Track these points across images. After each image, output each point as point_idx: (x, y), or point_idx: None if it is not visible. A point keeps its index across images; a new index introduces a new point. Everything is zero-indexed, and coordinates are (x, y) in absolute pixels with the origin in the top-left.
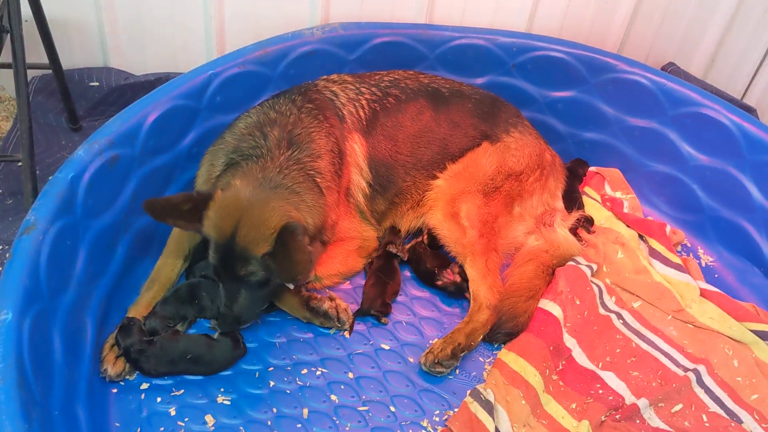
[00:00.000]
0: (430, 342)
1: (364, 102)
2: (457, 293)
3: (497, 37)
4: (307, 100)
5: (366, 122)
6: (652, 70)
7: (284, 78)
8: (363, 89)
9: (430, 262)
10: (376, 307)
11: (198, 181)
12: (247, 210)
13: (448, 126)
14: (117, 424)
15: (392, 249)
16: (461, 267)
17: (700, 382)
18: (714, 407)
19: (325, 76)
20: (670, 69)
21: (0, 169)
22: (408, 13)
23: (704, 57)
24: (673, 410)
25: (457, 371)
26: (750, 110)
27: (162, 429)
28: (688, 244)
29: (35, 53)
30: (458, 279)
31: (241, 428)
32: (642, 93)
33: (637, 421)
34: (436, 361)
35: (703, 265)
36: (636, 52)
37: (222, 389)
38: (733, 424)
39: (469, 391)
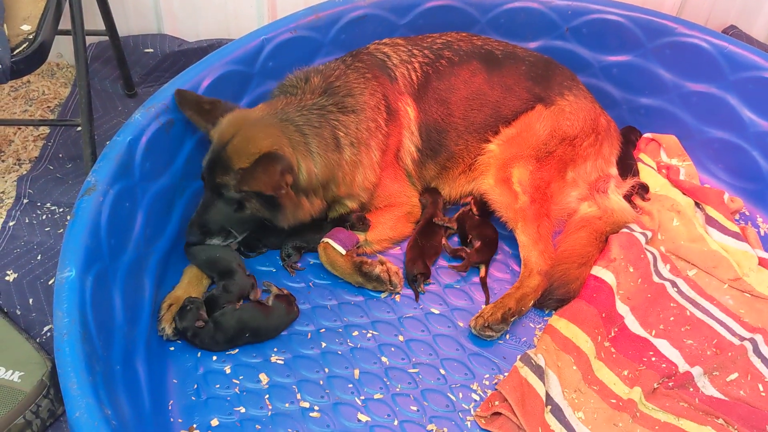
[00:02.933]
0: (480, 307)
1: (416, 64)
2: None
3: (551, 0)
4: (357, 60)
5: (418, 85)
6: (713, 32)
7: (335, 43)
8: (416, 51)
9: (469, 228)
10: (418, 269)
11: None
12: (247, 126)
13: (501, 89)
14: (175, 381)
15: (437, 221)
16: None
17: (757, 352)
18: None
19: (377, 41)
20: (732, 32)
21: (60, 135)
22: None
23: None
24: (728, 379)
25: (507, 336)
26: None
27: (218, 386)
28: (747, 213)
29: (92, 20)
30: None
31: (294, 387)
32: (701, 57)
33: (691, 389)
34: (486, 325)
35: (762, 233)
36: (695, 15)
37: (275, 349)
38: None
39: (519, 356)
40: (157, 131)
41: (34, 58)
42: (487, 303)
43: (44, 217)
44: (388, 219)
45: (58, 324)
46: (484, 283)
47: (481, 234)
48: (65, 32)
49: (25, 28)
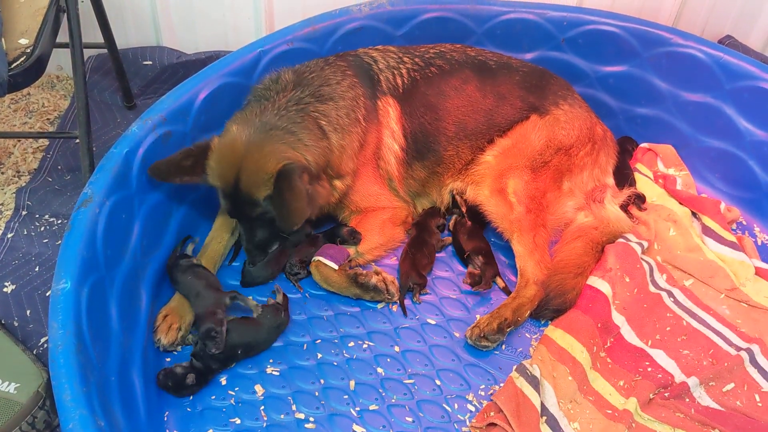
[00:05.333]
0: (476, 317)
1: (404, 71)
2: (474, 284)
3: (547, 11)
4: (340, 59)
5: (403, 90)
6: (708, 43)
7: (332, 54)
8: (406, 59)
9: (464, 242)
10: (413, 280)
11: None
12: (245, 156)
13: (494, 97)
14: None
15: (435, 243)
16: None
17: (753, 362)
18: (767, 387)
19: (369, 47)
20: (728, 42)
21: (59, 146)
22: None
23: (763, 30)
24: (724, 389)
25: (503, 347)
26: None
27: (213, 397)
28: (744, 222)
29: (91, 33)
30: (476, 272)
31: (290, 398)
32: (697, 67)
33: (687, 400)
34: (482, 335)
35: (759, 243)
36: (691, 25)
37: (271, 360)
38: None
39: (515, 367)
40: (154, 143)
41: (31, 71)
42: None
43: (42, 228)
44: (374, 225)
45: (52, 335)
46: (508, 291)
47: (477, 249)
48: (64, 45)
49: (23, 42)
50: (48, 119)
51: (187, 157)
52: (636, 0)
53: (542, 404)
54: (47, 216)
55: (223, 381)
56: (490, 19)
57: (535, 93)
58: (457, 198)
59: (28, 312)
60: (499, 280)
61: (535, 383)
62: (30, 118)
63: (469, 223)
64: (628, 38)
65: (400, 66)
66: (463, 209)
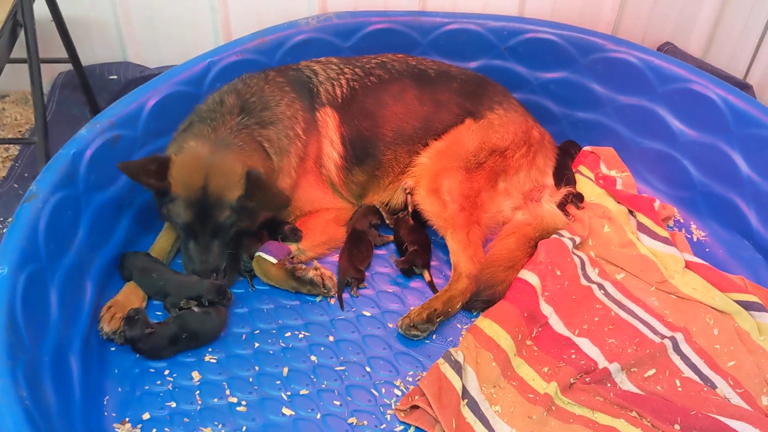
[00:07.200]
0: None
1: (343, 81)
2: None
3: (487, 22)
4: (280, 75)
5: (342, 99)
6: (640, 47)
7: (281, 65)
8: (346, 69)
9: (404, 236)
10: (350, 275)
11: (171, 142)
12: (212, 163)
13: (432, 104)
14: (112, 378)
15: (375, 241)
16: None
17: (677, 349)
18: (688, 372)
19: (313, 59)
20: (666, 49)
21: (27, 156)
22: (402, 2)
23: (702, 36)
24: (645, 375)
25: (434, 336)
26: (745, 87)
27: (152, 383)
28: (681, 220)
29: (60, 50)
30: (405, 266)
31: (225, 383)
32: (631, 71)
33: (608, 384)
34: (411, 325)
35: (695, 239)
36: (631, 33)
37: (210, 349)
38: (705, 389)
39: (442, 354)
40: (102, 146)
41: None
42: None
43: (4, 230)
44: (316, 224)
45: None
46: (432, 285)
47: (415, 240)
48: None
49: None
50: (20, 131)
51: (152, 162)
52: (575, 8)
53: (464, 388)
54: (10, 219)
55: (163, 369)
56: (433, 30)
57: (472, 99)
58: (408, 197)
59: None
60: (426, 274)
61: (458, 368)
62: (2, 131)
63: (411, 221)
64: (565, 45)
65: (340, 77)
66: (410, 208)
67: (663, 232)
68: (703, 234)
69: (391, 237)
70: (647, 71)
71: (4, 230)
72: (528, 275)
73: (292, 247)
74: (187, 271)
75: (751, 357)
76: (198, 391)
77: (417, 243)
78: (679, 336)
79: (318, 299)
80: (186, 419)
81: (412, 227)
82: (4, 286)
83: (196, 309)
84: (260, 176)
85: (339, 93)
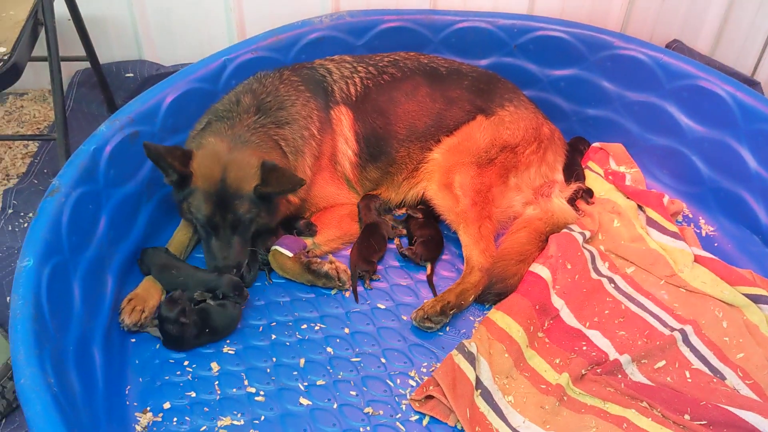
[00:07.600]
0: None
1: (357, 79)
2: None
3: (498, 20)
4: (295, 74)
5: (356, 97)
6: (649, 45)
7: (295, 63)
8: (359, 68)
9: (415, 230)
10: (361, 268)
11: (188, 138)
12: (230, 157)
13: (443, 101)
14: (133, 368)
15: (388, 235)
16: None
17: (686, 341)
18: (698, 364)
19: (327, 57)
20: (674, 46)
21: (46, 152)
22: (413, 1)
23: (710, 34)
24: (656, 366)
25: (448, 328)
26: (753, 84)
27: (172, 374)
28: (690, 215)
29: (78, 48)
30: (406, 253)
31: (243, 374)
32: (640, 68)
33: (619, 376)
34: (425, 317)
35: (704, 234)
36: (639, 30)
37: (228, 341)
38: (715, 380)
39: (456, 346)
40: (121, 142)
41: (7, 76)
42: None
43: (25, 224)
44: (331, 220)
45: (13, 305)
46: (430, 280)
47: (425, 234)
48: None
49: (1, 50)
50: (38, 128)
51: (177, 148)
52: (585, 6)
53: (477, 378)
54: (31, 214)
55: (183, 360)
56: (444, 27)
57: (483, 96)
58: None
59: (7, 299)
60: (428, 268)
61: (471, 359)
62: (21, 128)
63: (420, 216)
64: (575, 43)
65: (354, 75)
66: (419, 215)
67: (672, 227)
68: (711, 229)
69: (404, 230)
70: (656, 68)
71: (25, 224)
72: (539, 269)
73: (308, 241)
74: (210, 269)
75: (760, 349)
76: (217, 382)
77: (426, 236)
78: (688, 328)
79: (333, 292)
80: (206, 408)
81: (422, 222)
82: (30, 278)
83: (211, 302)
84: (274, 164)
85: (353, 91)
